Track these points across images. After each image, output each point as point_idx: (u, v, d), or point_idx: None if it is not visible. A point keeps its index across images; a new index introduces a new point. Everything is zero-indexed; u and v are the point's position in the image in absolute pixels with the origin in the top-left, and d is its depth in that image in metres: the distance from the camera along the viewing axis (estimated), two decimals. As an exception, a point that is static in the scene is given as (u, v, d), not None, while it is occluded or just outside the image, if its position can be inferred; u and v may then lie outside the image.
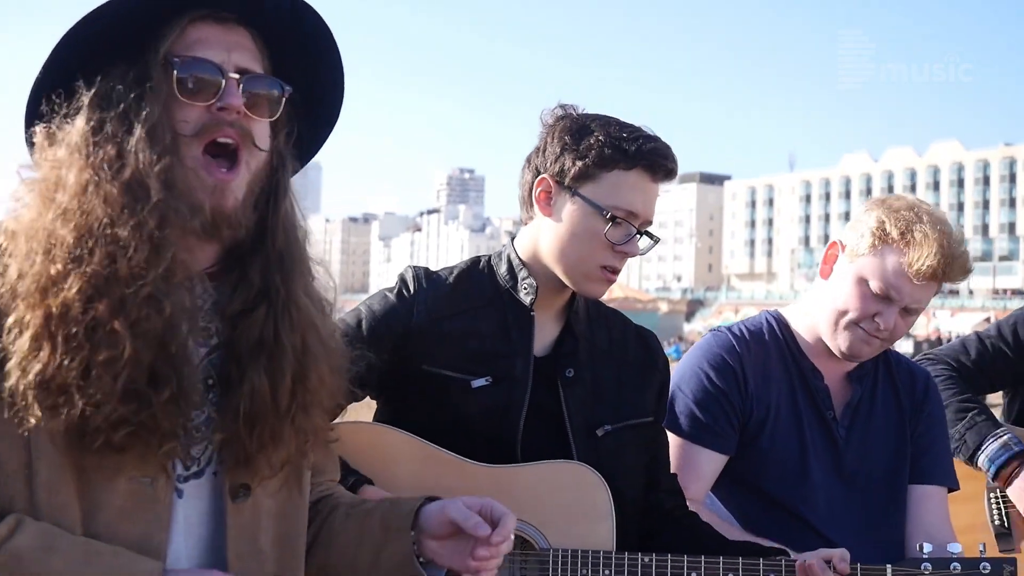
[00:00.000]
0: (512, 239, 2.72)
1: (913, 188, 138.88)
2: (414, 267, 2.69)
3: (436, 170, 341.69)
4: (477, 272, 2.68)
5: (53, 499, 1.68)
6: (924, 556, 2.49)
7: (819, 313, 3.01)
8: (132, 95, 1.74)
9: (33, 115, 1.80)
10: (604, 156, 2.50)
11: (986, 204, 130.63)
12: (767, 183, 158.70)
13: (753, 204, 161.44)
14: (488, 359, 2.56)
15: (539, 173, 2.59)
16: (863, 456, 3.02)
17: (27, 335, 1.66)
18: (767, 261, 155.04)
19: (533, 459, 2.50)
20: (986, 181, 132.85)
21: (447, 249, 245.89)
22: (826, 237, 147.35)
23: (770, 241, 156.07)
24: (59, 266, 1.67)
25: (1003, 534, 3.51)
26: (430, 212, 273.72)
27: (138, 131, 1.73)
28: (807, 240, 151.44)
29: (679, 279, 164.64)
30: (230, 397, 1.81)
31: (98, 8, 1.76)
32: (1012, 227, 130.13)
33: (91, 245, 1.68)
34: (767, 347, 3.06)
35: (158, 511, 1.76)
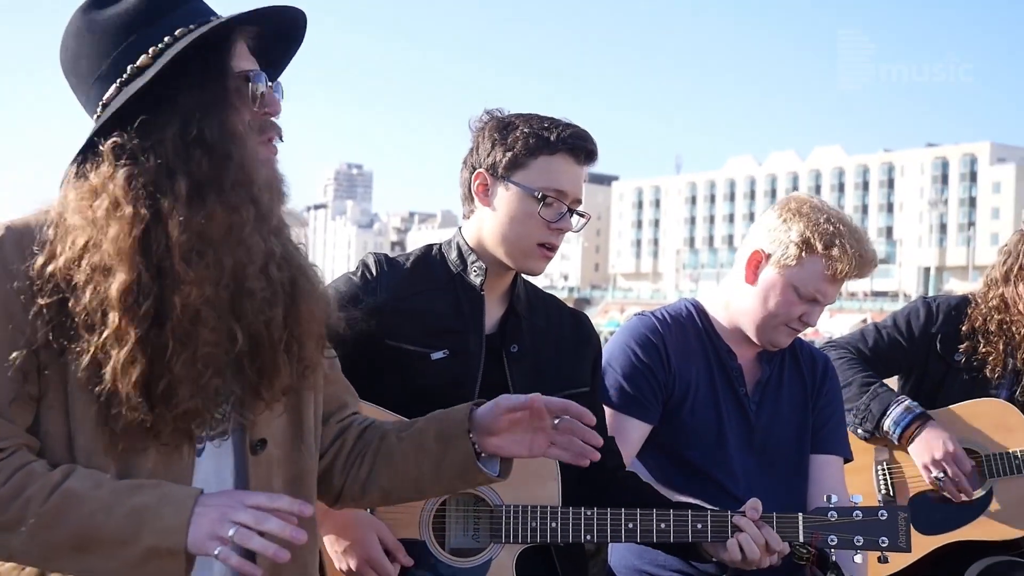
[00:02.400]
0: (460, 229, 2.99)
1: (795, 191, 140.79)
2: (375, 253, 2.95)
3: (323, 165, 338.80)
4: (431, 258, 2.96)
5: (91, 463, 1.90)
6: (830, 505, 2.77)
7: (746, 313, 3.31)
8: (217, 110, 1.96)
9: (109, 124, 1.95)
10: (529, 145, 2.80)
11: (865, 208, 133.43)
12: (654, 184, 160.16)
13: (640, 205, 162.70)
14: (445, 334, 2.83)
15: (475, 169, 2.87)
16: (771, 429, 3.36)
17: (126, 346, 1.86)
18: (653, 261, 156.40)
19: None
20: (865, 186, 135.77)
21: (334, 244, 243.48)
22: (711, 238, 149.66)
23: (656, 242, 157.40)
24: (181, 267, 1.88)
25: (888, 501, 3.86)
26: (316, 207, 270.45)
27: (236, 138, 1.97)
28: (692, 241, 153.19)
29: (566, 278, 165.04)
30: (247, 336, 1.99)
31: (190, 43, 1.95)
32: (889, 231, 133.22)
33: (208, 250, 1.90)
34: (687, 329, 3.38)
35: (182, 470, 1.98)
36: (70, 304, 1.89)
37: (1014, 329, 3.97)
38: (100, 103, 2.00)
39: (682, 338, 3.35)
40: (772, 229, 3.28)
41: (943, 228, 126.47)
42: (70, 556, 1.85)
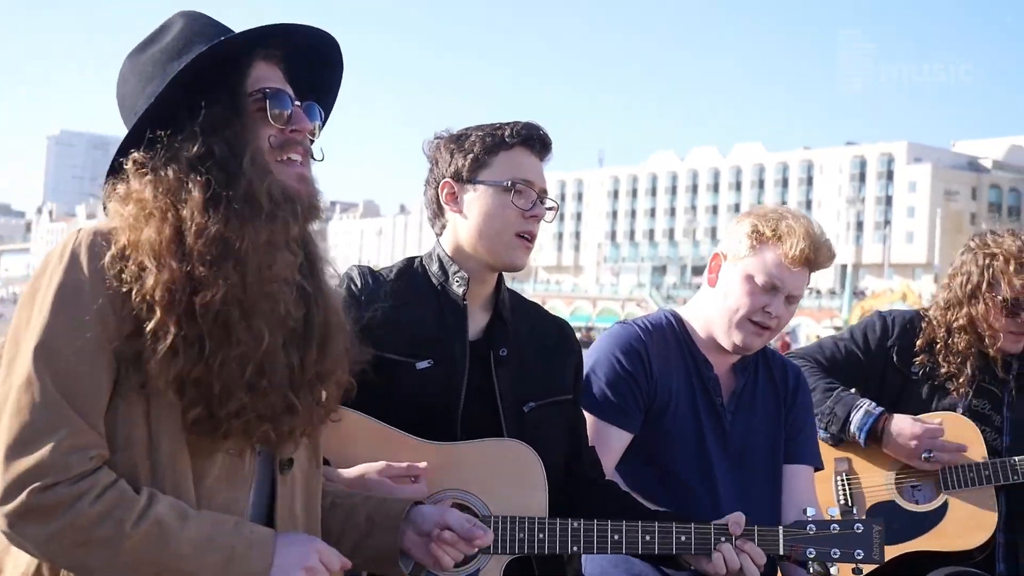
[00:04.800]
0: (437, 241, 3.02)
1: (716, 187, 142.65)
2: (358, 267, 2.99)
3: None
4: (412, 270, 3.00)
5: (175, 467, 1.98)
6: (808, 519, 2.84)
7: (712, 315, 3.38)
8: (232, 126, 2.05)
9: (129, 145, 2.08)
10: (487, 144, 2.88)
11: (784, 204, 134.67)
12: (577, 177, 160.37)
13: (563, 198, 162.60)
14: (429, 344, 2.86)
15: (439, 182, 2.94)
16: (746, 438, 3.41)
17: (167, 338, 1.93)
18: (575, 255, 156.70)
19: (469, 434, 2.80)
20: (785, 183, 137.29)
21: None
22: (632, 232, 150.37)
23: (578, 235, 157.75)
24: (202, 269, 1.96)
25: (847, 512, 3.93)
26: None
27: (245, 156, 2.04)
28: (613, 235, 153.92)
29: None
30: (289, 377, 2.11)
31: (200, 55, 2.06)
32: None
33: (226, 253, 1.98)
34: (667, 339, 3.42)
35: (245, 477, 2.09)
36: (131, 302, 1.98)
37: (982, 339, 4.03)
38: None
39: (664, 347, 3.40)
40: (729, 232, 3.41)
41: (860, 226, 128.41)
42: None
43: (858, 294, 75.36)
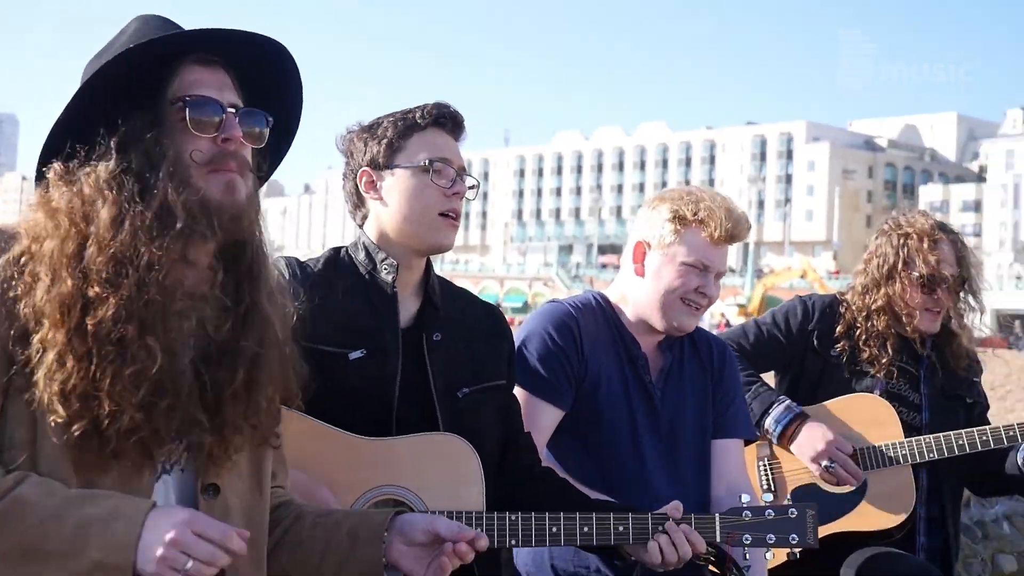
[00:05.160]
0: (361, 230, 2.98)
1: (621, 166, 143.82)
2: (285, 258, 2.91)
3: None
4: (339, 260, 2.97)
5: (54, 475, 1.91)
6: (744, 505, 2.86)
7: (643, 301, 3.42)
8: (150, 136, 1.99)
9: (50, 153, 2.04)
10: (398, 129, 2.88)
11: (688, 184, 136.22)
12: (483, 157, 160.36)
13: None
14: (361, 334, 2.82)
15: (356, 173, 2.93)
16: (676, 415, 3.45)
17: (53, 351, 1.89)
18: (481, 234, 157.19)
19: (404, 423, 2.78)
20: (688, 162, 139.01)
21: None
22: (539, 211, 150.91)
23: (484, 214, 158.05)
24: (96, 289, 1.91)
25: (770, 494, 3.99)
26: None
27: (162, 168, 1.98)
28: (520, 214, 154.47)
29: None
30: (199, 397, 2.04)
31: (112, 60, 2.01)
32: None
33: (125, 271, 1.92)
34: (597, 318, 3.45)
35: (139, 492, 1.98)
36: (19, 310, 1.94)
37: (899, 318, 4.13)
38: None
39: (593, 325, 3.42)
40: (646, 220, 3.44)
41: (761, 204, 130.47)
42: (17, 564, 1.86)
43: (760, 272, 76.57)
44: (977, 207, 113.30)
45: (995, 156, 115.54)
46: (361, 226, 2.99)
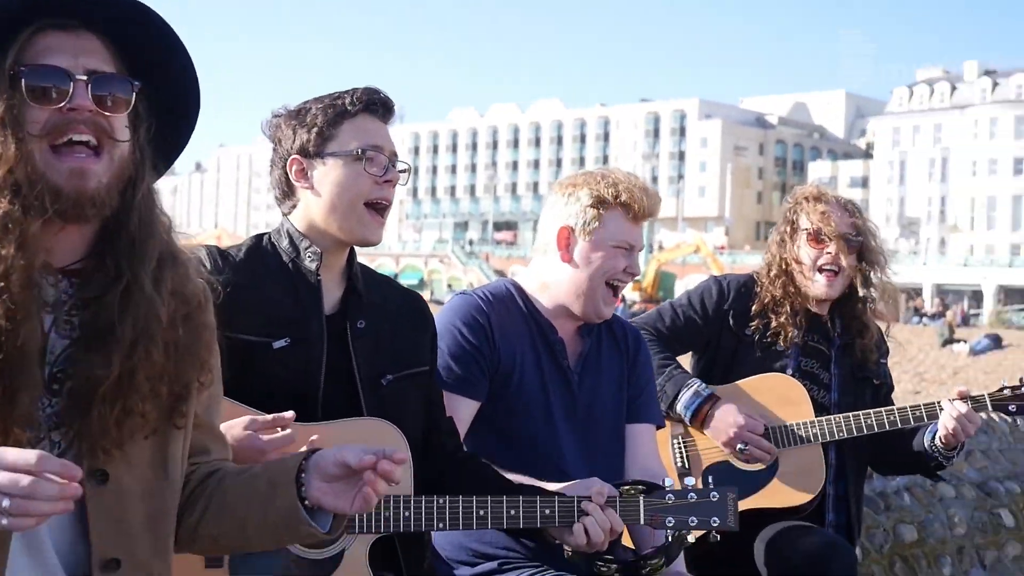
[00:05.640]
0: (286, 219, 2.96)
1: (516, 143, 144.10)
2: (206, 247, 2.89)
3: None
4: (262, 248, 2.93)
5: None
6: (667, 489, 2.92)
7: (569, 288, 3.45)
8: None
9: None
10: (328, 116, 2.84)
11: (583, 161, 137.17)
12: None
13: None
14: (285, 323, 2.80)
15: (285, 160, 2.89)
16: (593, 400, 3.50)
17: None
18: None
19: (329, 410, 2.78)
20: (583, 139, 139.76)
21: None
22: (434, 189, 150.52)
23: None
24: None
25: (684, 473, 4.04)
26: None
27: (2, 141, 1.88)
28: (415, 192, 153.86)
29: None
30: (72, 385, 1.95)
31: None
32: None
33: None
34: (510, 307, 3.47)
35: None
36: None
37: (795, 282, 4.22)
38: None
39: (506, 316, 3.44)
40: (565, 205, 3.47)
41: (655, 181, 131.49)
42: None
43: (653, 247, 77.47)
44: (864, 183, 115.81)
45: (882, 133, 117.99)
46: (287, 214, 2.96)
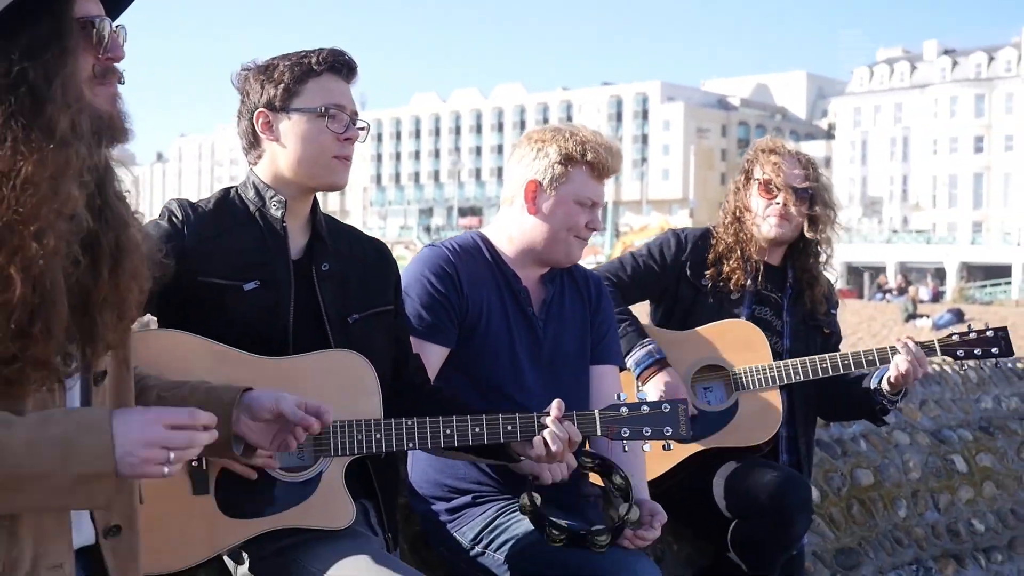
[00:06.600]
0: (251, 170, 3.12)
1: (479, 128, 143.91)
2: (176, 200, 3.07)
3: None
4: (229, 200, 3.09)
5: None
6: (621, 402, 3.08)
7: (535, 239, 3.60)
8: (51, 52, 2.01)
9: None
10: (295, 74, 3.00)
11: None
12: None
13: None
14: (254, 267, 2.97)
15: (252, 113, 3.03)
16: (557, 343, 3.65)
17: None
18: (340, 199, 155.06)
19: (299, 349, 2.94)
20: (546, 123, 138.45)
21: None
22: (397, 175, 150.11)
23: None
24: None
25: None
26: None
27: (56, 82, 2.01)
28: (379, 178, 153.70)
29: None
30: (73, 297, 2.10)
31: None
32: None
33: (2, 189, 1.95)
34: (476, 258, 3.62)
35: (57, 406, 2.08)
36: None
37: (746, 228, 4.39)
38: None
39: (473, 266, 3.59)
40: (534, 159, 3.61)
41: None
42: None
43: (619, 230, 77.68)
44: (827, 163, 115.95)
45: (843, 114, 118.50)
46: (254, 165, 3.10)
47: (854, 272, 71.56)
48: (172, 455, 2.02)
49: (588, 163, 3.55)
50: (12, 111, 1.97)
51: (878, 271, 73.82)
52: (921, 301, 56.28)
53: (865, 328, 41.20)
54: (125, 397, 2.32)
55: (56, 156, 1.99)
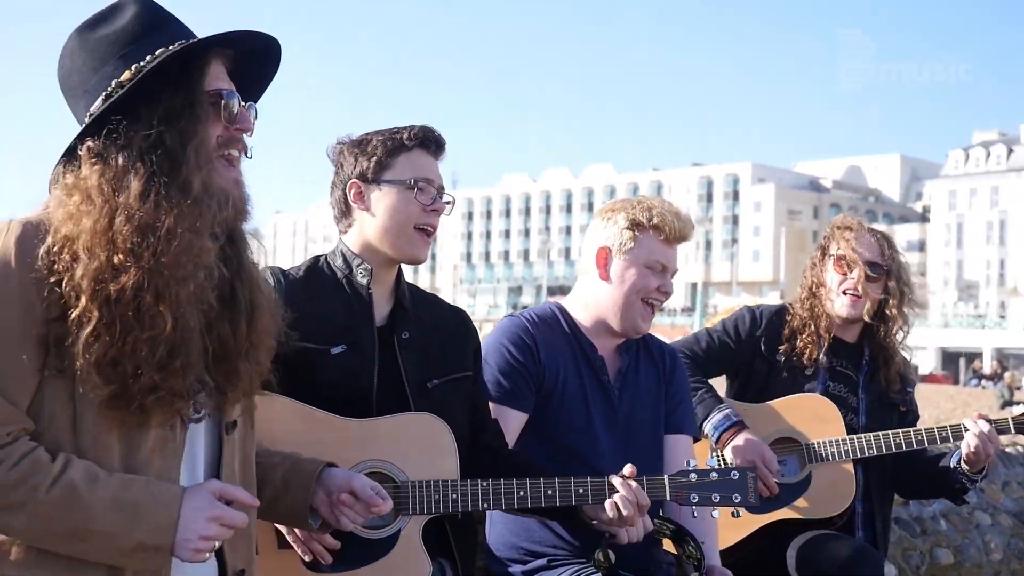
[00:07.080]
0: (341, 240, 3.31)
1: (569, 208, 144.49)
2: (270, 268, 3.17)
3: None
4: (319, 267, 3.29)
5: (98, 442, 2.16)
6: (691, 469, 3.16)
7: (608, 304, 3.74)
8: (185, 119, 2.22)
9: (89, 131, 2.24)
10: (388, 148, 3.19)
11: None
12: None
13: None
14: (341, 331, 3.14)
15: (346, 184, 3.22)
16: (632, 412, 3.76)
17: (90, 324, 2.10)
18: (431, 277, 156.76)
19: (381, 410, 3.08)
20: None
21: None
22: (487, 254, 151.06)
23: (433, 256, 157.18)
24: (120, 257, 2.12)
25: None
26: None
27: (190, 146, 2.22)
28: (469, 256, 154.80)
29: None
30: (207, 346, 2.30)
31: (173, 54, 2.24)
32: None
33: (147, 239, 2.14)
34: (553, 328, 3.77)
35: (176, 448, 2.27)
36: (61, 291, 2.13)
37: (820, 303, 4.46)
38: (87, 114, 2.25)
39: (550, 335, 3.73)
40: (604, 229, 3.77)
41: (708, 245, 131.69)
42: (66, 542, 2.12)
43: (708, 312, 77.22)
44: (922, 247, 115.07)
45: (938, 196, 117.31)
46: (344, 234, 3.29)
47: (949, 357, 70.21)
48: (218, 544, 2.23)
49: (655, 227, 3.68)
50: (154, 170, 2.18)
51: (973, 356, 72.25)
52: (1018, 388, 54.78)
53: (959, 415, 40.14)
54: (247, 451, 2.52)
55: (192, 211, 2.20)
